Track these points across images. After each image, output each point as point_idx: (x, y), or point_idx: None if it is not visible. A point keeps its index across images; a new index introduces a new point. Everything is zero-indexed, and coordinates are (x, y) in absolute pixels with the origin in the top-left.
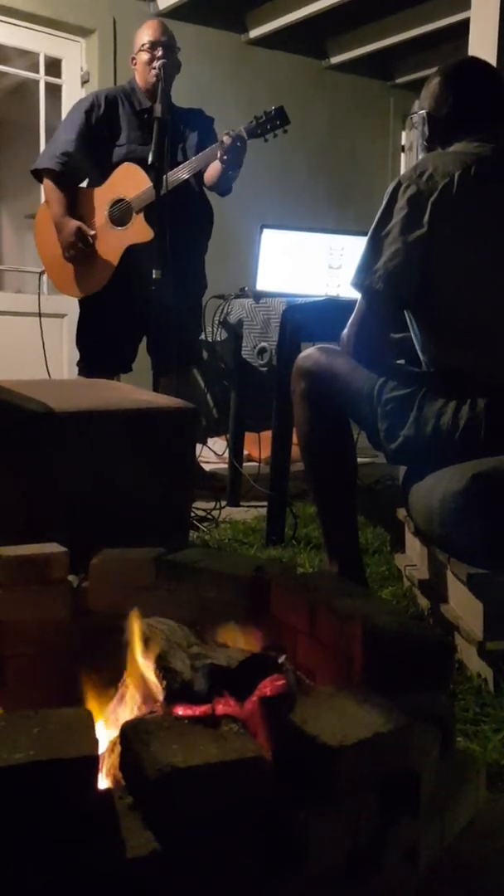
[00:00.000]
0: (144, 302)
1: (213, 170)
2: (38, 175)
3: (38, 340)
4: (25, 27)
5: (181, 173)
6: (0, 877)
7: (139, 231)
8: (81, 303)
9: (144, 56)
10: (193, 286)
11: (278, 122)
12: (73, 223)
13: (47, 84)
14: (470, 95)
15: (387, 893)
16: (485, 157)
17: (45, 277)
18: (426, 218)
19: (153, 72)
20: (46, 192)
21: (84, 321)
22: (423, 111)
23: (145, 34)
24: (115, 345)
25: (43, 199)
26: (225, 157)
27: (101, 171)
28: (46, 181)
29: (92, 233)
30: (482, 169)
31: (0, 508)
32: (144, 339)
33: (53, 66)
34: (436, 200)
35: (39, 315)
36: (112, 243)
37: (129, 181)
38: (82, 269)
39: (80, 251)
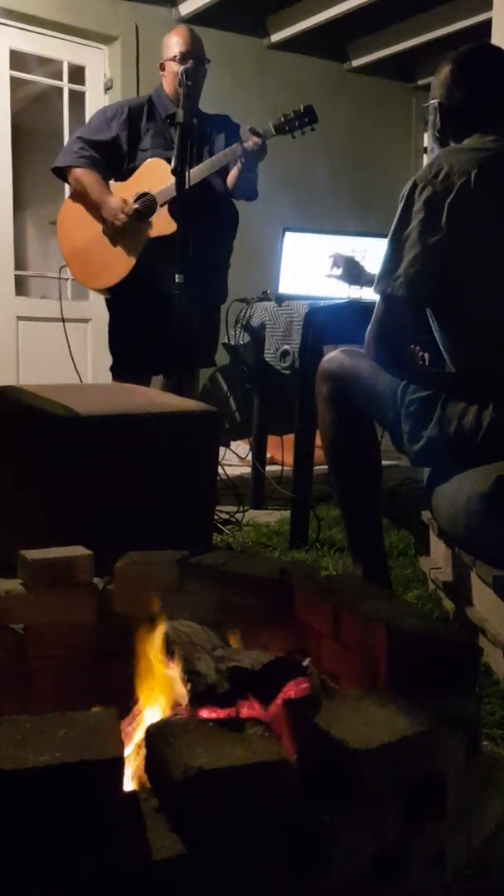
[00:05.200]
0: (170, 301)
1: (233, 174)
2: (62, 173)
3: (64, 345)
4: (49, 35)
5: (201, 171)
6: (27, 878)
7: (162, 223)
8: (109, 304)
9: (175, 67)
10: (211, 290)
11: (307, 120)
12: (117, 198)
13: (70, 91)
14: (483, 85)
15: None
16: (501, 154)
17: (69, 283)
18: (443, 221)
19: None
20: (78, 180)
21: (113, 322)
22: (435, 101)
23: (175, 43)
24: (144, 345)
25: (67, 195)
26: (242, 160)
27: (122, 176)
28: (75, 171)
29: (135, 206)
30: (499, 166)
31: (26, 511)
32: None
33: (76, 74)
34: (452, 202)
35: (62, 319)
36: (135, 236)
37: (155, 175)
38: (104, 260)
39: (123, 225)
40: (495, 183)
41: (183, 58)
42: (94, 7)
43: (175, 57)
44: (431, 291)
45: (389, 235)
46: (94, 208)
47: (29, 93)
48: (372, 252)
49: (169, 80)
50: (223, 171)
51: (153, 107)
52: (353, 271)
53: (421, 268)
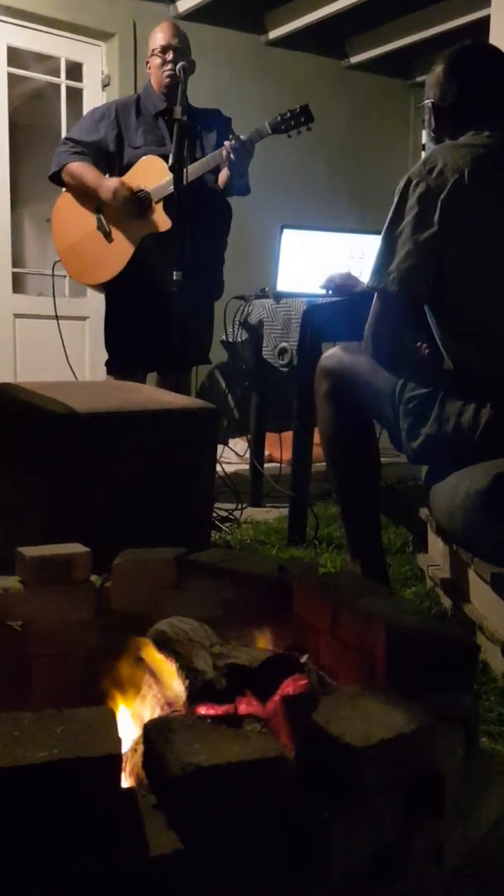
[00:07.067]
0: (166, 298)
1: (224, 173)
2: (57, 177)
3: (61, 343)
4: (46, 32)
5: (194, 171)
6: (24, 876)
7: (158, 220)
8: (107, 301)
9: (157, 60)
10: (206, 287)
11: (303, 119)
12: (114, 179)
13: (68, 88)
14: (476, 83)
15: (412, 895)
16: (496, 150)
17: (66, 280)
18: (436, 216)
19: (167, 74)
20: (72, 173)
21: (109, 319)
22: (429, 101)
23: (157, 38)
24: (140, 342)
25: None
26: (229, 161)
27: (115, 174)
28: (69, 167)
29: (136, 189)
30: (494, 162)
31: (24, 509)
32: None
33: (74, 70)
34: (446, 198)
35: (56, 317)
36: (130, 232)
37: (150, 172)
38: (98, 256)
39: (127, 203)
40: (490, 179)
41: (163, 50)
42: (92, 4)
43: (155, 50)
44: (425, 288)
45: (383, 231)
46: (88, 202)
47: (26, 89)
48: (370, 249)
49: (154, 75)
50: (215, 168)
51: (141, 104)
52: (349, 282)
53: (413, 264)
